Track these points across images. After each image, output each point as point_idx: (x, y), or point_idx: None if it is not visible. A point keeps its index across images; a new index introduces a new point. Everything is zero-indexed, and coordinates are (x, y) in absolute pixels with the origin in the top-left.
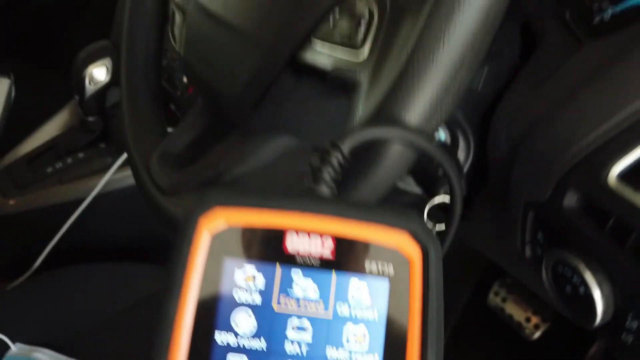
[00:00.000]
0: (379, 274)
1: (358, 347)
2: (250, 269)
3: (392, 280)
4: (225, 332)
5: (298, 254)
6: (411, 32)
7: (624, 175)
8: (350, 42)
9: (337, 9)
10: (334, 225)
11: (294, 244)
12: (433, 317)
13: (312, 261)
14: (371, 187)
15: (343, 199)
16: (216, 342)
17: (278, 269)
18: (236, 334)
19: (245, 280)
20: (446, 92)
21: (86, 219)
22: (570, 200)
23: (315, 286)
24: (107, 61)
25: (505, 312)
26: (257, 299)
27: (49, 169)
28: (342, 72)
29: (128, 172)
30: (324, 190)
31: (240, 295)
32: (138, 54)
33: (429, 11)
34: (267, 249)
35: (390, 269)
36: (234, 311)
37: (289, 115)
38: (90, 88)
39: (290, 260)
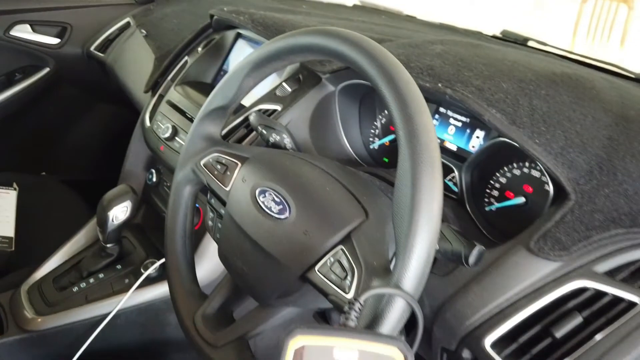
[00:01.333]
0: None
1: None
2: None
3: None
4: None
5: (340, 358)
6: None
7: (494, 344)
8: (341, 286)
9: (331, 259)
10: (358, 344)
11: (338, 354)
12: None
13: None
14: (387, 323)
15: (364, 330)
16: None
17: None
18: None
19: None
20: (420, 282)
21: (108, 332)
22: (466, 354)
23: None
24: (128, 203)
25: None
26: None
27: (75, 289)
28: (336, 300)
29: (141, 292)
30: (352, 323)
31: None
32: (178, 235)
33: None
34: (324, 356)
35: None
36: None
37: (297, 297)
38: (112, 224)
39: None
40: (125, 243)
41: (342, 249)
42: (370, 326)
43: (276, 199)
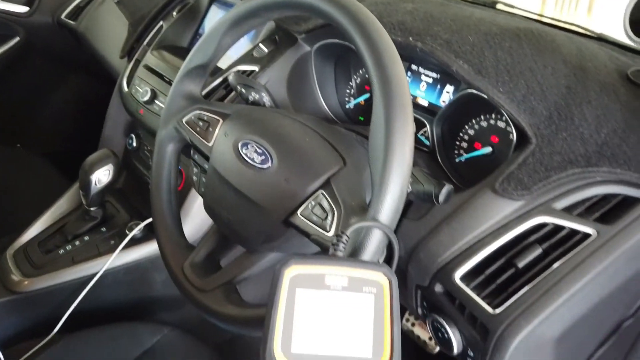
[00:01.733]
0: (369, 292)
1: (362, 327)
2: (308, 294)
3: (375, 296)
4: (298, 326)
5: (331, 284)
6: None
7: (463, 277)
8: (322, 225)
9: (312, 202)
10: (349, 271)
11: (330, 280)
12: (395, 310)
13: (338, 288)
14: (367, 252)
15: (353, 258)
16: (294, 330)
17: (322, 293)
18: (304, 327)
19: (306, 299)
20: (395, 215)
21: (96, 291)
22: (438, 288)
23: (341, 302)
24: (109, 166)
25: (414, 334)
26: (313, 308)
27: (61, 251)
28: (318, 239)
29: (127, 252)
30: (340, 254)
31: (304, 308)
32: (163, 191)
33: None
34: (317, 283)
35: (374, 290)
36: (302, 315)
37: (281, 242)
38: (95, 187)
39: (327, 288)
40: (109, 207)
41: (322, 193)
42: (353, 255)
43: (258, 150)
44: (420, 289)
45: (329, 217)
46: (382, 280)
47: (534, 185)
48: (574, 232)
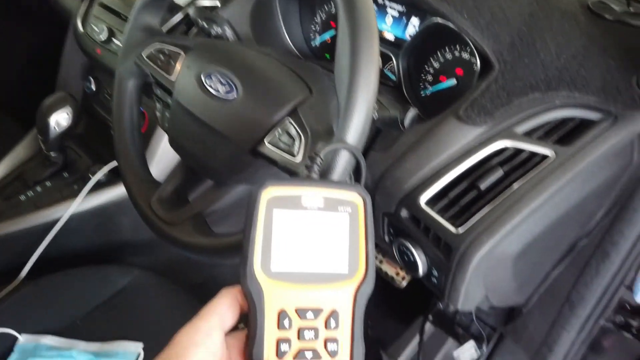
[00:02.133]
0: (344, 212)
1: (337, 245)
2: (285, 214)
3: (350, 215)
4: (276, 245)
5: (307, 204)
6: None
7: (427, 201)
8: (289, 151)
9: (279, 129)
10: (324, 191)
11: (306, 200)
12: (370, 228)
13: (315, 207)
14: (336, 172)
15: (326, 179)
16: (273, 249)
17: (299, 214)
18: (282, 245)
19: (283, 219)
20: (362, 135)
21: (61, 236)
22: (404, 213)
23: (317, 221)
24: (68, 109)
25: (382, 270)
26: (290, 228)
27: (22, 197)
28: (286, 164)
29: (91, 197)
30: (314, 175)
31: (282, 227)
32: (126, 129)
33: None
34: (293, 204)
35: (349, 209)
36: (280, 234)
37: (248, 174)
38: (54, 131)
39: (304, 208)
40: (70, 152)
41: (289, 120)
42: (322, 176)
43: (222, 80)
44: (387, 215)
45: (296, 143)
46: (356, 200)
47: (497, 111)
48: (533, 155)
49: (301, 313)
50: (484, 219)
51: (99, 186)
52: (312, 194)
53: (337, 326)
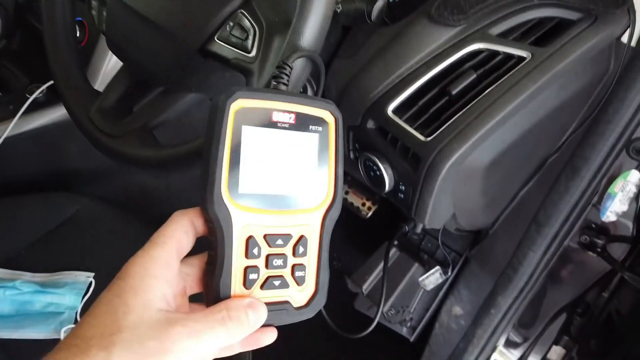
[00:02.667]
0: (314, 131)
1: (307, 168)
2: (255, 131)
3: (320, 134)
4: (245, 165)
5: (278, 121)
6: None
7: (394, 110)
8: (242, 47)
9: (231, 23)
10: (296, 107)
11: (277, 116)
12: (340, 149)
13: (285, 125)
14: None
15: (296, 92)
16: (241, 170)
17: (268, 131)
18: (251, 165)
19: (253, 137)
20: (320, 37)
21: (1, 162)
22: (370, 124)
23: (286, 140)
24: None
25: (348, 201)
26: (260, 147)
27: None
28: (239, 61)
29: (30, 118)
30: (283, 87)
31: (251, 146)
32: (59, 27)
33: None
34: (263, 120)
35: (319, 129)
36: (249, 153)
37: (198, 80)
38: None
39: (274, 126)
40: (4, 71)
41: (241, 12)
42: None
43: None
44: (352, 129)
45: (250, 37)
46: (328, 118)
47: (471, 9)
48: (508, 57)
49: (270, 240)
50: (454, 126)
51: (38, 106)
52: (283, 109)
53: (304, 253)
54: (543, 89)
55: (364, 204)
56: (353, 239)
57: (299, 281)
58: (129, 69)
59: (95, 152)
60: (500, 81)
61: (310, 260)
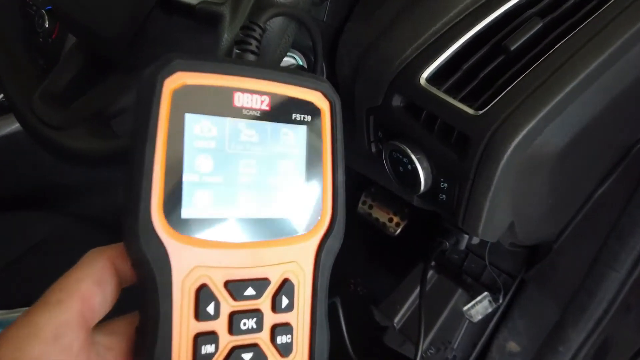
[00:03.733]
0: (300, 121)
1: (288, 176)
2: (206, 122)
3: (309, 126)
4: (191, 174)
5: (243, 107)
6: None
7: (430, 79)
8: None
9: None
10: (270, 86)
11: (240, 100)
12: (339, 147)
13: (254, 113)
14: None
15: (272, 65)
16: (185, 182)
17: (228, 122)
18: (200, 174)
19: (202, 130)
20: None
21: None
22: (396, 101)
23: (257, 134)
24: None
25: (372, 216)
26: (213, 145)
27: None
28: (206, 5)
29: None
30: (250, 57)
31: (199, 145)
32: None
33: None
34: (219, 105)
35: (307, 118)
36: (196, 156)
37: (165, 49)
38: None
39: (237, 114)
40: None
41: None
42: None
43: None
44: (372, 112)
45: None
46: (320, 103)
47: None
48: None
49: (235, 289)
50: (515, 94)
51: (2, 111)
52: (251, 89)
53: (290, 306)
54: (636, 39)
55: (391, 220)
56: (379, 260)
57: (283, 351)
58: (81, 44)
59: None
60: (576, 30)
61: (300, 317)
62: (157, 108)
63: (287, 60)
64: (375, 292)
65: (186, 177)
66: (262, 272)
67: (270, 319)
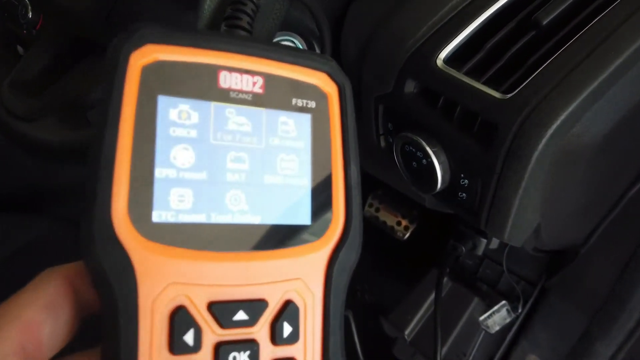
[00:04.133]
0: (302, 108)
1: (290, 172)
2: (184, 106)
3: (313, 114)
4: (165, 168)
5: (230, 89)
6: None
7: (448, 60)
8: None
9: None
10: (264, 65)
11: (227, 81)
12: (352, 138)
13: (244, 97)
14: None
15: (267, 41)
16: (157, 178)
17: (212, 106)
18: (177, 169)
19: (180, 116)
20: None
21: None
22: (409, 87)
23: (248, 122)
24: None
25: (380, 220)
26: (194, 134)
27: None
28: None
29: None
30: (242, 34)
31: (176, 131)
32: None
33: None
34: (201, 86)
35: (311, 104)
36: (172, 147)
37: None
38: None
39: (223, 97)
40: None
41: None
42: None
43: None
44: (382, 100)
45: None
46: (326, 86)
47: None
48: None
49: (221, 312)
50: (548, 75)
51: None
52: (241, 68)
53: (295, 336)
54: None
55: (399, 223)
56: (387, 266)
57: None
58: (55, 28)
59: (56, 165)
60: (618, 0)
61: (309, 350)
62: (120, 86)
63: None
64: (382, 300)
65: (159, 172)
66: (257, 291)
67: (269, 352)
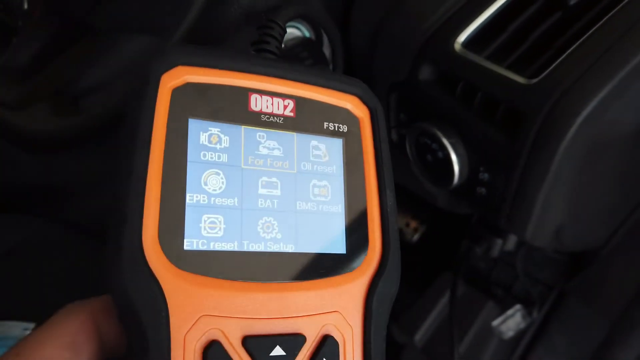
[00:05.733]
0: (334, 132)
1: (323, 199)
2: (215, 129)
3: (345, 138)
4: (197, 193)
5: (261, 112)
6: None
7: (468, 43)
8: None
9: None
10: (295, 88)
11: (258, 104)
12: (386, 163)
13: (276, 120)
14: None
15: (297, 64)
16: (189, 203)
17: (243, 130)
18: (208, 194)
19: (210, 140)
20: None
21: None
22: (425, 73)
23: (280, 147)
24: None
25: None
26: (225, 159)
27: None
28: None
29: None
30: (274, 47)
31: (207, 155)
32: None
33: None
34: (232, 109)
35: (343, 128)
36: (203, 172)
37: (135, 9)
38: None
39: (254, 121)
40: None
41: None
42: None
43: None
44: (395, 89)
45: None
46: (357, 110)
47: None
48: None
49: (257, 347)
50: (579, 59)
51: None
52: (272, 91)
53: None
54: None
55: (408, 224)
56: None
57: None
58: (45, 13)
59: (51, 163)
60: None
61: None
62: (151, 109)
63: (291, 32)
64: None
65: (190, 198)
66: (294, 324)
67: None
